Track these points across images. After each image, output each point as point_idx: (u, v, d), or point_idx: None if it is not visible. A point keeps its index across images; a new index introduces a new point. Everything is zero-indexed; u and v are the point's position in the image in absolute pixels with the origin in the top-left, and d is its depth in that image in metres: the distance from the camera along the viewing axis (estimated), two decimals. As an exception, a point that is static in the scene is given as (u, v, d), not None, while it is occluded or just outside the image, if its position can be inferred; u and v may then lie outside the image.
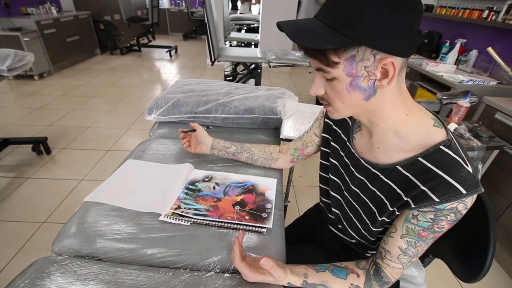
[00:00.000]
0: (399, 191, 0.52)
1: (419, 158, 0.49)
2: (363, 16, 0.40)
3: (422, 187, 0.48)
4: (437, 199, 0.46)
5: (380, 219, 0.56)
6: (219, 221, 0.66)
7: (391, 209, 0.53)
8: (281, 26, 0.44)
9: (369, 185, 0.58)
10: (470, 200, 0.46)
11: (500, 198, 1.48)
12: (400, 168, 0.51)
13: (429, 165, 0.48)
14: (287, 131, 1.02)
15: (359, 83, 0.45)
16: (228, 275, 0.56)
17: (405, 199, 0.50)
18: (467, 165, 0.46)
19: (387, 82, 0.45)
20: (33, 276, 0.52)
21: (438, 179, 0.46)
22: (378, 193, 0.56)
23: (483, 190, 0.46)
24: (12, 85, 3.47)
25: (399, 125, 0.51)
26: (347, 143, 0.63)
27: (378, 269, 0.57)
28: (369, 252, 0.69)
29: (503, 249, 1.48)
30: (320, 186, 0.77)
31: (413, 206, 0.49)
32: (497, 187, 1.50)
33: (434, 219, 0.48)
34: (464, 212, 0.47)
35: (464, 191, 0.44)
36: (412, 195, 0.49)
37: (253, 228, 0.66)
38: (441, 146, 0.47)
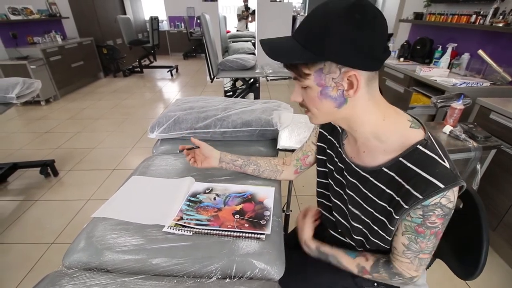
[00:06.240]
0: (388, 191, 0.56)
1: (400, 158, 0.53)
2: (328, 36, 0.46)
3: (406, 186, 0.52)
4: (420, 196, 0.49)
5: (380, 217, 0.59)
6: (220, 230, 0.69)
7: (389, 209, 0.56)
8: (261, 44, 0.52)
9: (361, 187, 0.61)
10: (451, 194, 0.49)
11: (503, 198, 1.48)
12: (385, 169, 0.55)
13: (408, 164, 0.52)
14: (283, 141, 1.06)
15: (329, 92, 0.51)
16: (229, 280, 0.59)
17: (397, 198, 0.54)
18: (444, 161, 0.50)
19: (353, 92, 0.50)
20: (45, 289, 0.55)
21: (417, 177, 0.50)
22: (370, 195, 0.59)
23: (463, 183, 0.50)
24: (19, 111, 3.59)
25: (377, 129, 0.55)
26: (339, 149, 0.67)
27: (388, 261, 0.64)
28: (363, 250, 0.71)
29: (510, 248, 1.46)
30: (317, 191, 0.81)
31: (405, 206, 0.52)
32: (498, 187, 1.50)
33: (423, 215, 0.52)
34: (450, 205, 0.50)
35: (442, 185, 0.48)
36: (400, 194, 0.53)
37: (253, 235, 0.68)
38: (418, 146, 0.52)
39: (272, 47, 0.51)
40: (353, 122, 0.56)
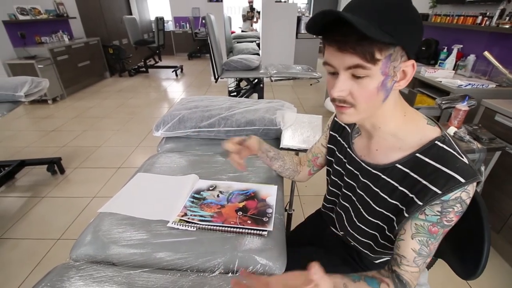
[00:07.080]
0: (402, 188, 0.54)
1: (417, 154, 0.52)
2: (403, 20, 0.43)
3: (423, 182, 0.50)
4: (439, 191, 0.48)
5: (391, 217, 0.58)
6: (222, 226, 0.71)
7: (400, 207, 0.55)
8: (337, 13, 0.40)
9: (372, 186, 0.60)
10: (471, 188, 0.48)
11: (507, 200, 1.47)
12: (399, 166, 0.54)
13: (427, 159, 0.51)
14: (286, 140, 1.07)
15: (387, 83, 0.47)
16: (231, 275, 0.60)
17: (410, 195, 0.52)
18: (462, 157, 0.49)
19: (405, 83, 0.49)
20: (54, 280, 0.57)
21: (437, 172, 0.49)
22: (381, 193, 0.58)
23: (481, 179, 0.49)
24: (27, 110, 3.65)
25: (397, 126, 0.54)
26: (348, 149, 0.67)
27: (399, 277, 0.56)
28: (370, 253, 0.71)
29: (515, 251, 1.45)
30: (328, 189, 0.81)
31: (419, 203, 0.51)
32: (503, 189, 1.49)
33: (441, 211, 0.49)
34: (468, 201, 0.49)
35: (463, 180, 0.47)
36: (415, 191, 0.51)
37: (255, 231, 0.69)
38: (436, 142, 0.51)
39: (351, 17, 0.40)
40: (380, 118, 0.54)
